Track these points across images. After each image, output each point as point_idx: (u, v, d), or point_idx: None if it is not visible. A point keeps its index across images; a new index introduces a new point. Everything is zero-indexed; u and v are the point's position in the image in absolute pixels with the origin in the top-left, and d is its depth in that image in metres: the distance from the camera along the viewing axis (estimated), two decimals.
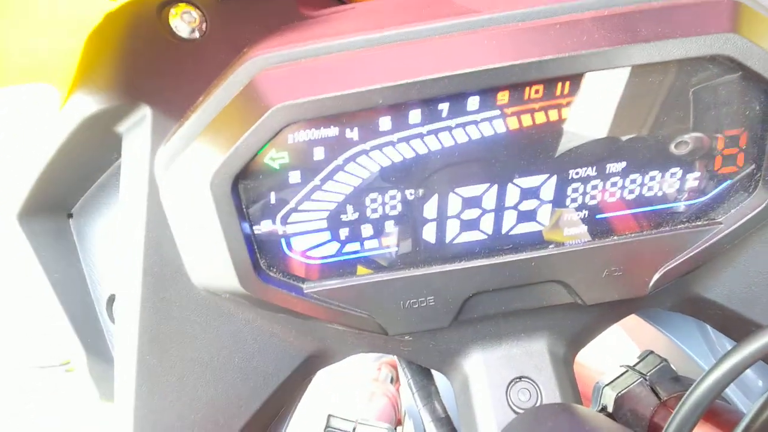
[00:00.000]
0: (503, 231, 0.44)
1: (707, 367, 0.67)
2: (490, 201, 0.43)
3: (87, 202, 0.52)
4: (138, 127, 0.43)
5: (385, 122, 0.39)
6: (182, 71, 0.41)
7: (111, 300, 0.53)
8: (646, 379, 0.63)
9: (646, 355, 0.66)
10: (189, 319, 0.46)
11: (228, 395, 0.47)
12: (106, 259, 0.53)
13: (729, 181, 0.44)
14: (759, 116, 0.41)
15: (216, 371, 0.47)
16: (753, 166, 0.43)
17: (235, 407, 0.48)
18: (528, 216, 0.44)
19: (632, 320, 0.61)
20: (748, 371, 0.59)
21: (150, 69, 0.41)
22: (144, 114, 0.42)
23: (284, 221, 0.42)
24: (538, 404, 0.47)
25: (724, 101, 0.41)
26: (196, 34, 0.40)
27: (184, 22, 0.40)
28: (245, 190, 0.41)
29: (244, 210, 0.41)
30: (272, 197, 0.41)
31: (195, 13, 0.40)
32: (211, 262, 0.42)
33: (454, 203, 0.43)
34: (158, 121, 0.42)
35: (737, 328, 0.51)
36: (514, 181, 0.42)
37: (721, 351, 0.65)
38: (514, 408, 0.48)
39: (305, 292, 0.44)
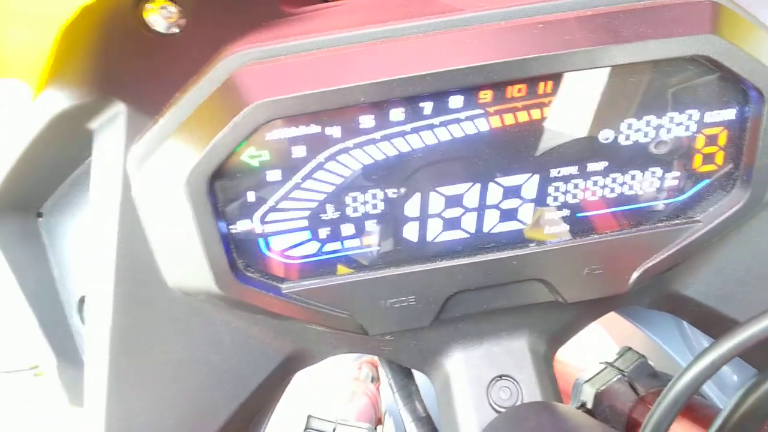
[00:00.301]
0: (485, 230, 0.44)
1: (684, 363, 0.68)
2: (472, 200, 0.43)
3: (57, 200, 0.50)
4: (111, 124, 0.42)
5: (367, 120, 0.39)
6: (158, 67, 0.40)
7: (82, 301, 0.52)
8: (624, 376, 0.64)
9: (625, 352, 0.67)
10: (163, 320, 0.45)
11: (204, 398, 0.46)
12: (77, 260, 0.52)
13: (708, 180, 0.44)
14: (737, 116, 0.42)
15: (191, 374, 0.46)
16: (731, 165, 0.44)
17: (211, 411, 0.47)
18: (510, 215, 0.44)
19: (610, 316, 0.62)
20: (724, 366, 0.60)
21: (125, 65, 0.40)
22: (118, 110, 0.41)
23: (262, 220, 0.41)
24: (518, 403, 0.47)
25: (704, 101, 0.41)
26: (174, 30, 0.39)
27: (161, 17, 0.39)
28: (222, 188, 0.40)
29: (221, 209, 0.40)
30: (250, 196, 0.40)
31: (173, 8, 0.39)
32: (187, 263, 0.41)
33: (436, 202, 0.42)
34: (132, 117, 0.41)
35: (713, 324, 0.52)
36: (497, 179, 0.42)
37: (698, 347, 0.66)
38: (495, 407, 0.48)
39: (284, 292, 0.43)
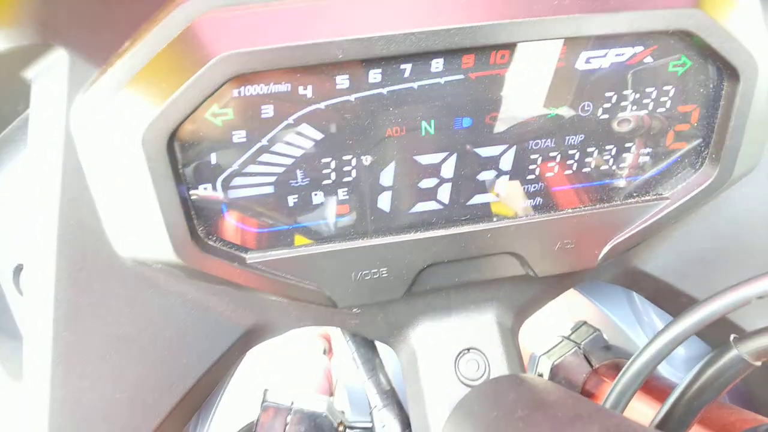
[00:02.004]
0: (461, 201, 0.43)
1: (635, 336, 0.70)
2: (448, 169, 0.41)
3: None
4: (51, 73, 0.37)
5: (342, 80, 0.36)
6: (105, 10, 0.36)
7: (18, 270, 0.47)
8: (579, 348, 0.65)
9: (580, 326, 0.69)
10: (112, 291, 0.41)
11: (157, 374, 0.43)
12: (10, 225, 0.47)
13: (678, 157, 0.45)
14: (712, 93, 0.42)
15: (143, 348, 0.43)
16: (701, 143, 0.44)
17: (166, 386, 0.44)
18: (486, 186, 0.43)
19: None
20: None
21: (67, 6, 0.35)
22: (58, 57, 0.37)
23: (226, 185, 0.38)
24: (485, 375, 0.47)
25: (679, 79, 0.41)
26: None
27: None
28: (182, 148, 0.36)
29: (181, 171, 0.37)
30: (213, 158, 0.37)
31: None
32: (141, 229, 0.38)
33: (411, 171, 0.41)
34: (76, 65, 0.37)
35: (670, 299, 0.54)
36: (475, 149, 0.41)
37: (648, 320, 0.69)
38: (463, 380, 0.47)
39: (248, 262, 0.40)
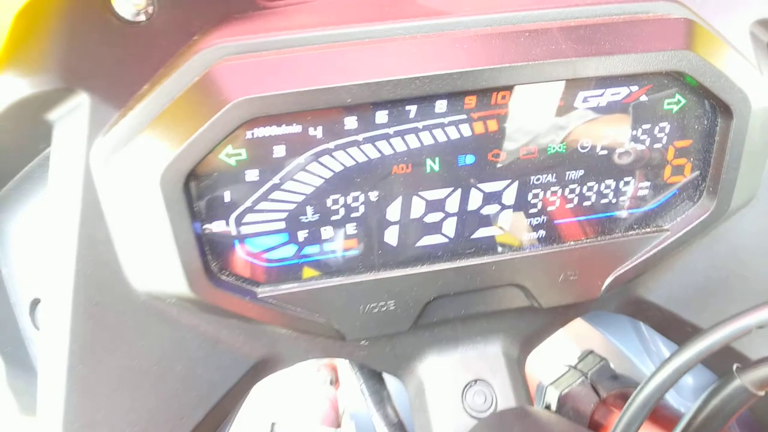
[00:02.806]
0: (465, 234, 0.44)
1: (642, 365, 0.70)
2: (453, 204, 0.42)
3: (8, 195, 0.47)
4: (72, 115, 0.39)
5: (350, 121, 0.38)
6: (125, 56, 0.38)
7: (35, 304, 0.48)
8: (587, 378, 0.65)
9: (586, 355, 0.69)
10: (126, 325, 0.42)
11: (169, 406, 0.44)
12: (29, 259, 0.48)
13: (676, 190, 0.46)
14: (707, 129, 0.44)
15: (155, 381, 0.43)
16: (698, 176, 0.45)
17: (177, 419, 0.45)
18: (490, 220, 0.44)
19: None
20: None
21: (89, 52, 0.37)
22: (80, 101, 0.38)
23: (239, 222, 0.40)
24: (492, 407, 0.48)
25: (675, 116, 0.43)
26: (142, 17, 0.37)
27: (128, 2, 0.37)
28: (197, 187, 0.38)
29: (195, 209, 0.38)
30: (227, 196, 0.39)
31: None
32: (157, 265, 0.39)
33: (417, 206, 0.42)
34: (97, 109, 0.38)
35: (674, 328, 0.54)
36: (478, 185, 0.42)
37: (655, 349, 0.69)
38: (470, 412, 0.48)
39: (259, 296, 0.41)
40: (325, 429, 0.61)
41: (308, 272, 0.43)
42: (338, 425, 0.99)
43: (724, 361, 0.48)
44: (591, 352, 0.69)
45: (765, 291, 0.51)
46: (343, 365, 0.95)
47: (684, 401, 0.65)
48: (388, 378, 0.62)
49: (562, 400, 0.64)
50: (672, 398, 0.66)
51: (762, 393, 0.42)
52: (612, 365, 0.68)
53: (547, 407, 0.66)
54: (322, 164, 0.39)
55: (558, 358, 0.70)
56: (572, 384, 0.65)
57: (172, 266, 0.38)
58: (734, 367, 0.43)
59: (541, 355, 0.70)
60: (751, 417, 0.61)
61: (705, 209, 0.46)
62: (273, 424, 0.61)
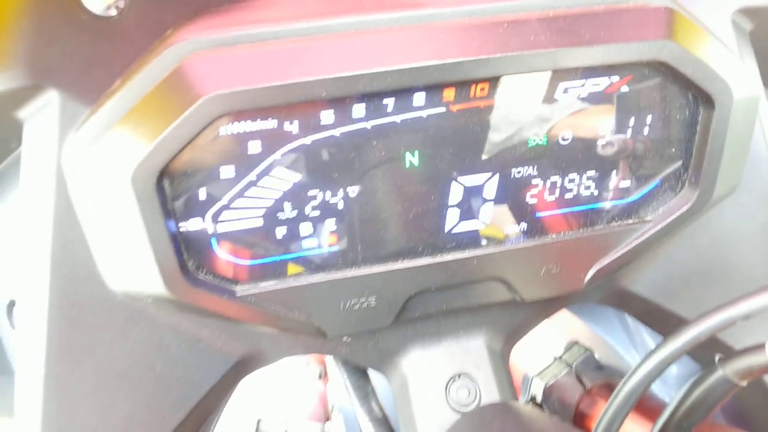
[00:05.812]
0: (446, 229, 0.43)
1: (628, 355, 0.71)
2: (433, 199, 0.42)
3: None
4: (42, 113, 0.38)
5: (327, 115, 0.37)
6: (95, 52, 0.37)
7: (11, 305, 0.47)
8: (572, 369, 0.65)
9: (572, 346, 0.69)
10: (104, 325, 0.42)
11: (149, 407, 0.44)
12: (4, 260, 0.47)
13: (658, 181, 0.46)
14: (688, 119, 0.43)
15: (135, 382, 0.43)
16: (680, 167, 0.45)
17: (158, 419, 0.44)
18: (471, 214, 0.43)
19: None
20: None
21: (58, 48, 0.36)
22: (50, 98, 0.38)
23: (215, 219, 0.39)
24: (476, 401, 0.48)
25: (655, 105, 0.42)
26: (112, 12, 0.36)
27: None
28: (171, 185, 0.37)
29: (170, 207, 0.38)
30: (202, 193, 0.38)
31: None
32: (132, 265, 0.38)
33: (397, 201, 0.41)
34: (67, 106, 0.37)
35: (658, 318, 0.54)
36: (458, 179, 0.42)
37: (640, 340, 0.69)
38: (454, 406, 0.47)
39: (238, 294, 0.41)
40: (312, 424, 0.61)
41: (289, 269, 0.42)
42: (328, 419, 0.99)
43: (708, 352, 0.48)
44: (576, 342, 0.70)
45: (748, 280, 0.52)
46: (331, 360, 0.95)
47: (668, 390, 0.66)
48: (372, 373, 0.62)
49: (548, 391, 0.65)
50: (656, 387, 0.66)
51: (744, 383, 0.42)
52: (597, 356, 0.68)
53: (533, 398, 0.66)
54: (298, 160, 0.38)
55: (543, 349, 0.70)
56: (557, 375, 0.65)
57: (148, 266, 0.38)
58: (716, 357, 0.43)
59: (527, 347, 0.70)
60: (736, 407, 0.61)
61: (687, 200, 0.46)
62: (259, 421, 0.61)
